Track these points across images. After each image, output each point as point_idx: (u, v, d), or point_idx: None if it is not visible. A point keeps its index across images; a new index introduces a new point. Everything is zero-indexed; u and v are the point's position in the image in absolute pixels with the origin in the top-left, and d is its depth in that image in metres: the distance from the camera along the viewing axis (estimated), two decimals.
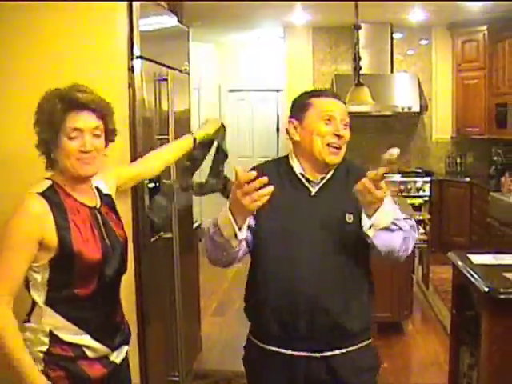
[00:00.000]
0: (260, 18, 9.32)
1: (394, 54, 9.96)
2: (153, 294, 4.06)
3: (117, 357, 2.67)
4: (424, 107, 9.44)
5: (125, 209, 3.66)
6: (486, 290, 3.34)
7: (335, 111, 2.66)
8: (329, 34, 10.11)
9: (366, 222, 2.45)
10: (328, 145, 2.62)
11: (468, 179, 9.30)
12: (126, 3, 3.62)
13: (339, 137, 2.63)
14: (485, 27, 9.08)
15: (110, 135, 2.64)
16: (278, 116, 11.94)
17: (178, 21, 4.70)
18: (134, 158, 3.67)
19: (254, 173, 2.19)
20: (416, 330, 6.19)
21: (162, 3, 4.55)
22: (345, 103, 2.77)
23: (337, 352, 2.62)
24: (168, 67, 4.25)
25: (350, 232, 2.58)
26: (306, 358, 2.61)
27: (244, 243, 2.54)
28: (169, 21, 4.52)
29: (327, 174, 2.70)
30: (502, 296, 3.30)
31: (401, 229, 2.51)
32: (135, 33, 3.68)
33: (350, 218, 2.60)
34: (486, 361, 3.47)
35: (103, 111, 2.56)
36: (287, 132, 2.76)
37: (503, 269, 3.64)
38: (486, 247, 7.79)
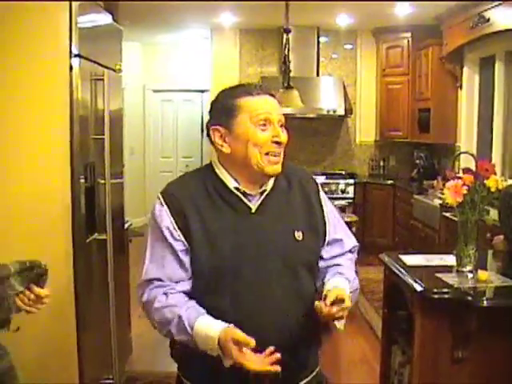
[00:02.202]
0: (188, 19, 9.31)
1: (320, 58, 10.10)
2: (87, 296, 4.02)
3: None
4: (348, 110, 9.60)
5: (62, 210, 3.64)
6: (420, 289, 3.42)
7: (271, 112, 2.23)
8: (256, 37, 10.18)
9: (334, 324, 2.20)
10: (267, 153, 2.22)
11: (391, 182, 9.50)
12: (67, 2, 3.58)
13: (279, 143, 2.24)
14: (409, 34, 9.35)
15: None
16: (202, 117, 11.96)
17: (113, 19, 4.66)
18: (71, 159, 3.65)
19: (252, 342, 1.95)
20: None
21: (99, 1, 4.50)
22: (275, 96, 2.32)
23: None
24: (103, 66, 4.21)
25: (302, 251, 2.29)
26: None
27: None
28: (104, 19, 4.48)
29: (266, 184, 2.31)
30: (435, 296, 3.39)
31: (356, 289, 2.39)
32: (73, 31, 3.64)
33: (299, 235, 2.28)
34: (418, 358, 3.55)
35: None
36: (211, 141, 2.30)
37: (435, 269, 3.73)
38: (409, 248, 7.99)
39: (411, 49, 9.35)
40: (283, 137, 2.25)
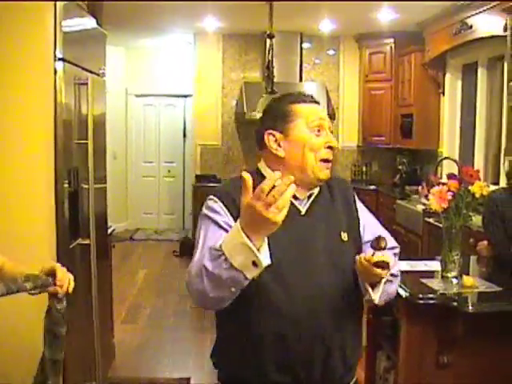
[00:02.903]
0: (171, 24, 9.29)
1: (303, 64, 10.11)
2: (70, 302, 3.99)
3: None
4: (331, 116, 9.60)
5: (46, 215, 3.61)
6: (405, 295, 3.43)
7: (324, 119, 2.34)
8: (239, 42, 10.16)
9: (369, 291, 2.23)
10: (322, 160, 2.30)
11: (374, 187, 9.52)
12: (52, 3, 3.56)
13: (332, 148, 2.32)
14: (392, 40, 9.37)
15: None
16: (184, 122, 11.96)
17: (97, 24, 4.64)
18: (55, 163, 3.62)
19: (278, 172, 1.77)
20: None
21: (82, 4, 4.48)
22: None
23: None
24: (87, 70, 4.20)
25: (348, 252, 2.33)
26: None
27: None
28: (88, 23, 4.46)
29: (313, 189, 2.38)
30: (420, 301, 3.40)
31: (397, 276, 2.39)
32: (58, 35, 3.62)
33: (344, 236, 2.35)
34: (403, 363, 3.56)
35: None
36: (260, 146, 2.39)
37: (419, 275, 3.74)
38: None
39: (394, 55, 9.38)
40: (335, 142, 2.34)
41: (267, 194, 1.72)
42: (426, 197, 3.55)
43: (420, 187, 3.65)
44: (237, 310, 2.14)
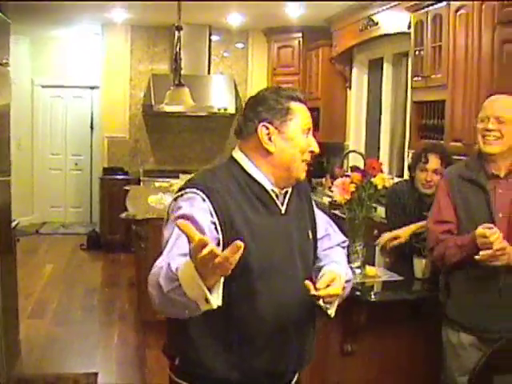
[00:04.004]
0: (78, 14, 9.10)
1: (212, 56, 10.11)
2: None
3: None
4: (239, 109, 9.61)
5: None
6: None
7: (311, 122, 2.36)
8: (148, 33, 10.07)
9: (324, 309, 2.27)
10: (303, 160, 2.31)
11: None
12: None
13: (312, 152, 2.34)
14: (300, 35, 9.43)
15: None
16: (92, 114, 11.78)
17: (1, 12, 4.52)
18: None
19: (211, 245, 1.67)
20: None
21: None
22: None
23: None
24: None
25: (311, 250, 2.42)
26: None
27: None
28: None
29: (288, 187, 2.38)
30: None
31: (349, 280, 2.43)
32: None
33: (309, 234, 2.42)
34: None
35: None
36: (252, 136, 2.30)
37: None
38: None
39: (302, 49, 9.44)
40: (317, 148, 2.34)
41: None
42: (330, 188, 3.61)
43: (324, 179, 3.71)
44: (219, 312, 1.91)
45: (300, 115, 2.29)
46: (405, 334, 3.68)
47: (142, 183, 9.44)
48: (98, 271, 8.86)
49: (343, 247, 2.62)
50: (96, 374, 5.09)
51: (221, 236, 2.12)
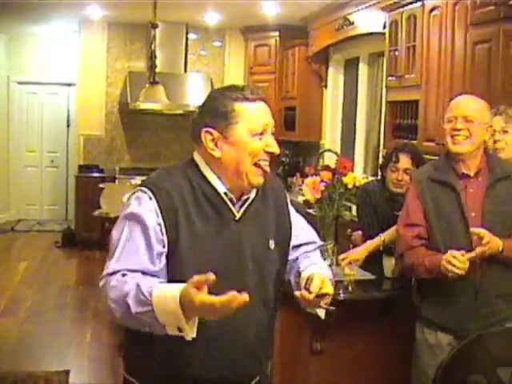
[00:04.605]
0: (55, 11, 9.04)
1: (188, 54, 10.10)
2: None
3: None
4: None
5: None
6: None
7: (268, 121, 2.17)
8: (124, 31, 10.03)
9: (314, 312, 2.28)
10: (256, 164, 2.15)
11: None
12: None
13: (271, 154, 2.18)
14: (277, 33, 9.43)
15: None
16: (68, 111, 11.72)
17: None
18: None
19: (211, 276, 1.70)
20: None
21: None
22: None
23: None
24: None
25: (273, 259, 2.28)
26: None
27: None
28: None
29: (250, 192, 2.24)
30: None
31: (331, 279, 2.31)
32: None
33: (271, 244, 2.27)
34: (278, 352, 3.59)
35: None
36: (196, 141, 2.20)
37: None
38: None
39: (278, 48, 9.45)
40: (277, 148, 2.18)
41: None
42: (300, 187, 3.62)
43: (294, 178, 3.72)
44: None
45: (247, 118, 2.12)
46: (375, 333, 3.69)
47: (117, 181, 9.39)
48: (72, 269, 8.83)
49: (321, 251, 2.58)
50: (68, 372, 5.06)
51: (165, 238, 2.07)
